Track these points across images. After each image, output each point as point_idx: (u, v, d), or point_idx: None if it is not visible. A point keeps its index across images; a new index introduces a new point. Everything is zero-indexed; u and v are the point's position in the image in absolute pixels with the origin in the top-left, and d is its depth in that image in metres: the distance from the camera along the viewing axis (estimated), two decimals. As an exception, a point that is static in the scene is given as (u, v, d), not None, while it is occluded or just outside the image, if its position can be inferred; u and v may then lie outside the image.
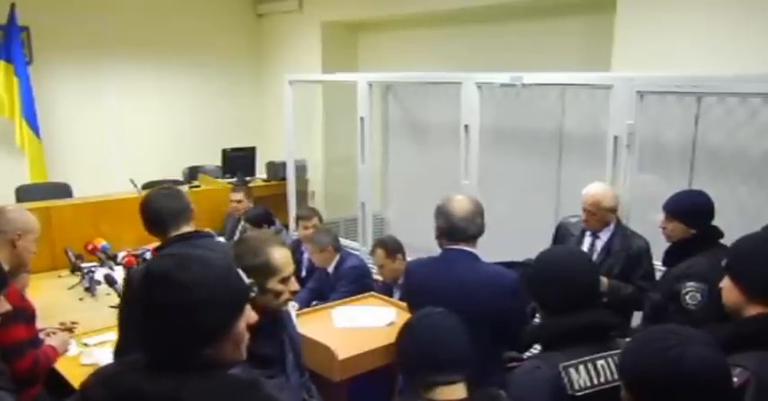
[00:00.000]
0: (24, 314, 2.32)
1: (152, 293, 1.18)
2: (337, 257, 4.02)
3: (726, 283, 1.62)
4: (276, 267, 1.76)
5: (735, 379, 1.36)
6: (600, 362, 1.65)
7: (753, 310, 1.55)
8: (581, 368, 1.62)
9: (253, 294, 1.70)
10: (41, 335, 2.53)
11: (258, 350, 1.71)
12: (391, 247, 3.76)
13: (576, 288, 1.72)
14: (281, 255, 1.78)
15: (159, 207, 2.26)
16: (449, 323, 1.57)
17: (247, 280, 1.28)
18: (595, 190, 2.98)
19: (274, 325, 1.86)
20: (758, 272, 1.55)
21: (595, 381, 1.62)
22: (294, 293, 1.85)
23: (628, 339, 1.81)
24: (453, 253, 2.32)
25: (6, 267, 2.34)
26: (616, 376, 1.62)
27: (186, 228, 2.25)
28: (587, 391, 1.61)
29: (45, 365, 2.37)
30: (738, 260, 1.61)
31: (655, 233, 2.79)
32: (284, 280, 1.78)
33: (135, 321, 1.22)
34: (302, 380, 1.98)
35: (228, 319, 1.21)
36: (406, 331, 1.57)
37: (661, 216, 2.69)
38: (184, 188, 5.49)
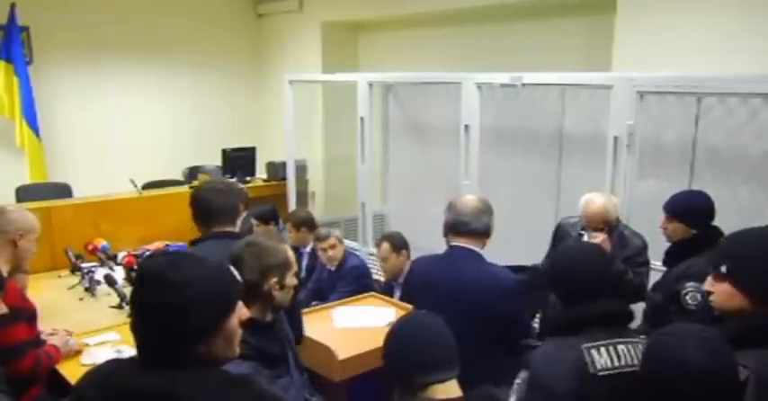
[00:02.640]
0: (26, 314, 2.32)
1: (144, 292, 1.21)
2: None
3: (724, 288, 1.57)
4: (292, 262, 1.87)
5: None
6: (621, 347, 1.72)
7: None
8: (602, 350, 1.69)
9: (277, 292, 1.76)
10: (43, 336, 2.53)
11: (267, 349, 1.74)
12: (397, 242, 3.77)
13: (591, 279, 1.80)
14: (291, 251, 1.91)
15: (211, 201, 2.26)
16: (431, 323, 1.57)
17: (239, 278, 1.30)
18: (597, 207, 2.88)
19: (280, 324, 1.88)
20: (765, 279, 1.52)
21: (616, 363, 1.69)
22: (296, 287, 1.92)
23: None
24: (458, 250, 2.35)
25: (8, 267, 2.35)
26: (636, 361, 1.70)
27: (229, 227, 2.25)
28: (609, 372, 1.67)
29: (47, 365, 2.37)
30: (741, 266, 1.56)
31: (655, 233, 2.79)
32: (295, 274, 1.88)
33: None
34: (303, 379, 1.99)
35: (220, 317, 1.22)
36: (391, 337, 1.58)
37: (661, 216, 2.68)
38: (184, 188, 5.51)
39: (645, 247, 2.96)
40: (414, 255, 3.74)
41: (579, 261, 1.85)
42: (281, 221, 4.72)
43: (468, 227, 2.32)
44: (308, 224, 4.43)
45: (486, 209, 2.37)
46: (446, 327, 1.57)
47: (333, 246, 3.94)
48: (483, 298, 2.24)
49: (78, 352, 2.76)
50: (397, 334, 1.57)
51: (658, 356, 1.37)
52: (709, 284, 1.63)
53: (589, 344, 1.69)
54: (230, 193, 2.31)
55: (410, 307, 2.68)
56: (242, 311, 1.28)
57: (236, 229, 2.31)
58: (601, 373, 1.67)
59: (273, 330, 1.84)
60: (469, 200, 2.39)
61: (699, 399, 1.31)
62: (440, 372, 1.49)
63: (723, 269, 1.57)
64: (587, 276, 1.81)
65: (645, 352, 1.44)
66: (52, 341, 2.49)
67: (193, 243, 2.31)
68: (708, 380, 1.30)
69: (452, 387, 1.51)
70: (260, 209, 4.61)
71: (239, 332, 1.27)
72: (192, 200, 2.30)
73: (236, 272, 1.29)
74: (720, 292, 1.58)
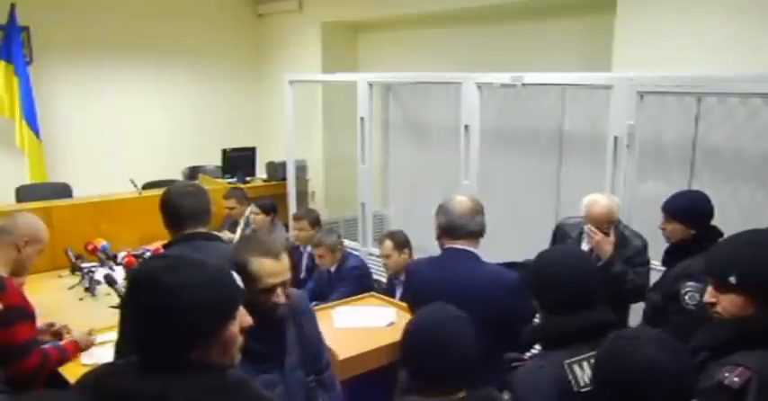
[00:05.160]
0: (26, 313, 2.32)
1: (139, 295, 1.20)
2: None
3: (734, 299, 1.52)
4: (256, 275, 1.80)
5: (736, 379, 1.37)
6: None
7: None
8: (584, 364, 1.64)
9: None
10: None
11: (251, 345, 1.73)
12: (400, 240, 3.77)
13: (577, 288, 1.73)
14: (261, 265, 1.79)
15: (180, 205, 2.22)
16: (461, 330, 1.57)
17: (241, 284, 1.28)
18: (602, 208, 2.87)
19: (275, 325, 1.88)
20: None
21: None
22: (276, 304, 1.84)
23: None
24: (454, 252, 2.32)
25: (7, 269, 2.34)
26: None
27: (200, 229, 2.23)
28: (591, 387, 1.62)
29: (56, 360, 2.38)
30: (754, 274, 1.50)
31: (655, 233, 2.79)
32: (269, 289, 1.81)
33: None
34: (306, 380, 1.98)
35: (217, 322, 1.20)
36: (418, 334, 1.57)
37: (661, 216, 2.68)
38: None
39: (645, 247, 2.96)
40: (414, 255, 3.74)
41: (564, 267, 1.76)
42: (279, 224, 4.74)
43: (465, 229, 2.30)
44: (320, 223, 4.50)
45: (479, 209, 2.34)
46: (473, 337, 1.57)
47: (321, 256, 3.97)
48: (486, 299, 2.22)
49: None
50: (425, 332, 1.57)
51: (622, 359, 1.34)
52: (711, 295, 1.57)
53: (571, 360, 1.64)
54: (199, 196, 2.28)
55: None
56: (244, 318, 1.26)
57: (206, 230, 2.28)
58: (584, 389, 1.62)
59: (259, 329, 1.81)
60: (462, 201, 2.35)
61: (663, 398, 1.31)
62: (451, 384, 1.52)
63: (732, 280, 1.51)
64: (573, 284, 1.73)
65: (605, 357, 1.40)
66: (73, 336, 2.50)
67: (166, 246, 2.26)
68: (675, 380, 1.30)
69: (458, 394, 1.54)
70: (261, 201, 4.75)
71: (239, 339, 1.25)
72: (162, 205, 2.25)
73: (238, 278, 1.27)
74: (730, 304, 1.53)
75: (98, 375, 1.26)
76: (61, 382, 2.54)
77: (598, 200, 2.91)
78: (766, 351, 1.43)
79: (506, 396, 1.72)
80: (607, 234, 2.90)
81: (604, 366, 1.40)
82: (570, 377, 1.62)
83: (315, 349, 2.05)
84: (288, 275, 1.85)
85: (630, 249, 2.93)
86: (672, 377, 1.30)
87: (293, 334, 1.93)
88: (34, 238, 2.43)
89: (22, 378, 2.23)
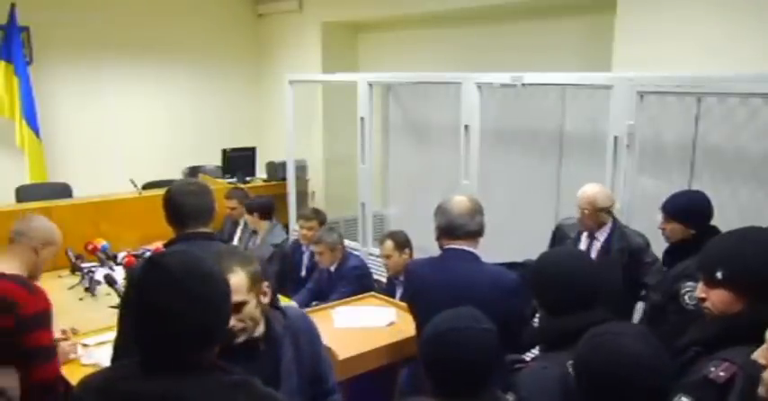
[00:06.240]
0: (51, 317, 2.30)
1: (149, 292, 1.18)
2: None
3: (721, 295, 1.53)
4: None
5: (721, 373, 1.38)
6: None
7: None
8: None
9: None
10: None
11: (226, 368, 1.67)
12: (401, 240, 3.77)
13: (578, 289, 1.74)
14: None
15: (182, 203, 2.20)
16: (484, 344, 1.57)
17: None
18: (590, 191, 2.96)
19: (262, 353, 1.73)
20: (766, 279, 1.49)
21: None
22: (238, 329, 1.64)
23: None
24: (453, 252, 2.32)
25: (25, 272, 2.33)
26: None
27: (201, 228, 2.21)
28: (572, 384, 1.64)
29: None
30: (739, 270, 1.51)
31: (655, 233, 2.79)
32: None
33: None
34: None
35: (225, 322, 1.23)
36: (439, 342, 1.57)
37: (660, 216, 2.68)
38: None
39: (648, 245, 2.96)
40: (414, 255, 3.74)
41: (565, 268, 1.77)
42: (279, 226, 4.73)
43: (464, 229, 2.29)
44: (326, 223, 4.49)
45: (478, 209, 2.34)
46: (496, 349, 1.57)
47: (321, 253, 3.97)
48: (486, 299, 2.21)
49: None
50: (449, 343, 1.56)
51: (611, 355, 1.36)
52: (701, 291, 1.58)
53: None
54: (201, 194, 2.26)
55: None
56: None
57: (210, 229, 2.26)
58: None
59: (245, 354, 1.65)
60: (460, 201, 2.35)
61: (647, 392, 1.33)
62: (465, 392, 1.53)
63: (719, 275, 1.52)
64: (573, 285, 1.73)
65: (590, 354, 1.41)
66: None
67: (167, 245, 2.23)
68: (658, 376, 1.33)
69: None
70: (257, 201, 4.64)
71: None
72: (165, 203, 2.23)
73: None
74: (718, 300, 1.54)
75: (105, 378, 1.26)
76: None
77: (586, 188, 2.98)
78: (754, 346, 1.44)
79: (511, 397, 1.72)
80: (588, 218, 2.94)
81: (590, 362, 1.40)
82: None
83: (318, 371, 1.86)
84: (242, 297, 1.56)
85: (633, 245, 2.94)
86: (656, 372, 1.32)
87: (289, 357, 1.75)
88: (50, 241, 2.43)
89: (45, 384, 2.16)
